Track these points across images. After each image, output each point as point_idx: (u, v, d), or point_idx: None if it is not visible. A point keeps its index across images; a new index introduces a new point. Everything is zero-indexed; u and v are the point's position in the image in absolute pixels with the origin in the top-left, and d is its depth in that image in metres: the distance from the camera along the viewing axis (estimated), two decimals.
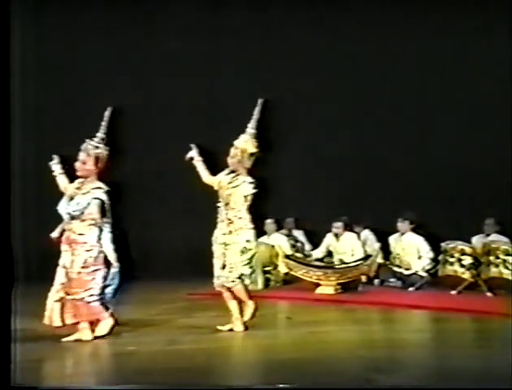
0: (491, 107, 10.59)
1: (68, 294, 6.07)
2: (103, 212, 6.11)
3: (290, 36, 11.16)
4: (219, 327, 6.52)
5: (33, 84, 10.29)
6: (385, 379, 4.79)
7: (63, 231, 6.21)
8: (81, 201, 6.09)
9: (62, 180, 6.42)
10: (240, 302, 6.56)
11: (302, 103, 11.19)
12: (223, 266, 6.46)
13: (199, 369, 5.17)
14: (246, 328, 6.50)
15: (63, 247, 6.15)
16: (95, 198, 6.09)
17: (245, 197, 6.42)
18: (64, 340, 6.04)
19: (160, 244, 10.99)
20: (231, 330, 6.49)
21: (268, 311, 7.53)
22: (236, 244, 6.40)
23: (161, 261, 10.84)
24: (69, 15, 11.00)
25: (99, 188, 6.14)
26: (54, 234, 6.24)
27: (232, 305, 6.55)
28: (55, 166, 6.47)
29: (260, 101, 6.56)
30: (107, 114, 6.31)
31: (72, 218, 6.10)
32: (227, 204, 6.46)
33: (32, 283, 8.18)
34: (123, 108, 10.40)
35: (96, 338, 6.11)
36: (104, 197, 6.12)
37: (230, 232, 6.42)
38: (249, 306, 6.57)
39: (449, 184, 10.77)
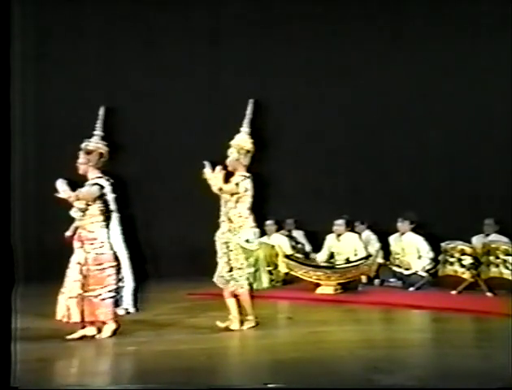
0: (491, 107, 10.59)
1: (86, 291, 6.14)
2: (103, 199, 6.19)
3: (291, 39, 11.17)
4: (218, 323, 6.55)
5: (33, 84, 10.30)
6: (385, 379, 4.80)
7: (76, 229, 6.27)
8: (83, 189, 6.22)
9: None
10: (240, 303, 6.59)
11: (302, 104, 11.19)
12: (230, 269, 6.48)
13: (200, 369, 5.17)
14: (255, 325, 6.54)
15: (76, 244, 6.26)
16: (94, 184, 6.20)
17: (236, 184, 6.44)
18: (69, 337, 6.08)
19: (160, 244, 10.98)
20: (227, 327, 6.51)
21: (268, 311, 7.53)
22: (236, 244, 6.44)
23: (160, 261, 10.84)
24: (69, 14, 11.00)
25: (100, 177, 6.27)
26: (68, 233, 6.30)
27: (231, 303, 6.57)
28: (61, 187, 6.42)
29: (251, 101, 6.64)
30: (101, 112, 6.39)
31: (82, 212, 6.15)
32: (226, 202, 6.49)
33: (32, 283, 8.19)
34: (123, 107, 10.48)
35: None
36: (104, 184, 6.22)
37: (229, 231, 6.46)
38: (250, 322, 6.59)
39: (449, 184, 10.78)
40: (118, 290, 6.24)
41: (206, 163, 6.55)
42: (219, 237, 6.55)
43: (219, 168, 6.51)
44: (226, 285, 6.57)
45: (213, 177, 6.48)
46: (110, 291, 6.18)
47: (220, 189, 6.47)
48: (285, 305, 8.84)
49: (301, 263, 9.55)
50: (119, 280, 6.26)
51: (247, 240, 6.48)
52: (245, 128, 6.65)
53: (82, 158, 6.29)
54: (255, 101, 6.66)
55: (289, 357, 5.57)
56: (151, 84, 11.10)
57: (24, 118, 9.42)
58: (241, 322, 6.58)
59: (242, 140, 6.60)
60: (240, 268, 6.48)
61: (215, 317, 6.82)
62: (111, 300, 6.20)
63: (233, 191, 6.46)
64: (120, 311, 6.31)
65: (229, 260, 6.49)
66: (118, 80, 10.99)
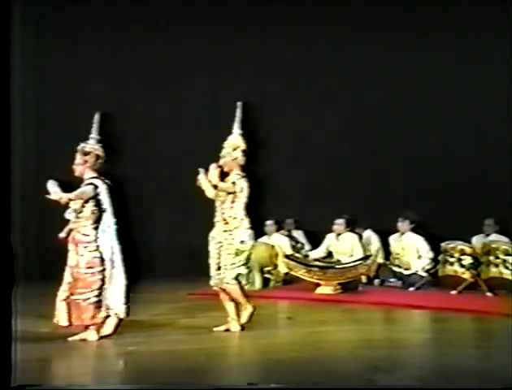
0: (491, 107, 10.59)
1: (73, 294, 6.13)
2: (97, 199, 6.16)
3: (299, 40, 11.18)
4: (215, 329, 6.54)
5: (33, 85, 10.30)
6: (385, 378, 4.80)
7: (71, 231, 6.25)
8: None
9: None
10: (238, 303, 6.59)
11: (303, 104, 11.19)
12: (218, 268, 6.48)
13: (200, 369, 5.17)
14: (243, 328, 6.52)
15: (70, 247, 6.22)
16: (88, 184, 6.18)
17: (233, 183, 6.45)
18: (70, 339, 6.07)
19: (160, 245, 10.99)
20: (227, 330, 6.50)
21: (268, 311, 7.53)
22: (230, 244, 6.43)
23: (160, 261, 10.84)
24: (70, 15, 11.00)
25: (95, 177, 6.24)
26: (62, 234, 6.26)
27: (229, 306, 6.57)
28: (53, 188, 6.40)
29: (239, 104, 6.67)
30: (96, 118, 6.40)
31: (77, 216, 6.14)
32: (222, 202, 6.49)
33: (32, 283, 8.18)
34: (124, 109, 10.50)
35: (101, 338, 6.16)
36: (98, 184, 6.19)
37: (225, 232, 6.45)
38: (247, 309, 6.59)
39: (449, 184, 10.78)
40: (102, 293, 6.19)
41: (201, 170, 6.56)
42: (213, 238, 6.54)
43: (214, 165, 6.51)
44: (216, 285, 6.55)
45: (209, 175, 6.47)
46: (97, 295, 6.14)
47: (215, 187, 6.46)
48: (285, 305, 8.85)
49: (301, 263, 9.55)
50: (104, 284, 6.21)
51: (242, 242, 6.49)
52: (236, 130, 6.66)
53: (79, 158, 6.26)
54: (245, 103, 6.69)
55: (289, 357, 5.57)
56: (150, 85, 11.10)
57: (24, 118, 9.42)
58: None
59: (237, 140, 6.62)
60: (226, 269, 6.45)
61: (215, 317, 6.82)
62: (98, 303, 6.14)
63: (229, 189, 6.45)
64: (102, 314, 6.23)
65: (219, 259, 6.49)
66: (117, 80, 10.99)
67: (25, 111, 9.57)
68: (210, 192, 6.61)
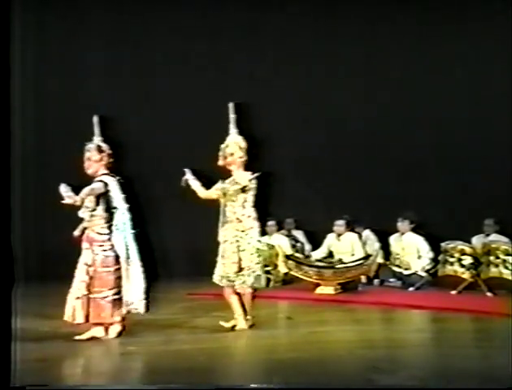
0: (491, 107, 10.58)
1: (91, 293, 6.12)
2: (108, 196, 6.17)
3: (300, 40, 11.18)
4: (222, 323, 6.54)
5: (33, 85, 10.30)
6: (385, 379, 4.80)
7: (85, 229, 6.24)
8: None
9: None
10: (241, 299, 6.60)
11: (302, 103, 11.18)
12: (240, 269, 6.47)
13: (200, 369, 5.17)
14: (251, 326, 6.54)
15: (84, 245, 6.22)
16: (98, 180, 6.18)
17: (249, 181, 6.46)
18: (77, 337, 6.07)
19: (160, 245, 10.97)
20: (233, 327, 6.50)
21: (268, 311, 7.53)
22: (249, 244, 6.45)
23: (160, 261, 10.82)
24: (70, 15, 11.00)
25: (106, 174, 6.24)
26: (76, 232, 6.26)
27: (234, 301, 6.55)
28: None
29: (231, 104, 6.70)
30: (95, 120, 6.38)
31: (91, 212, 6.13)
32: (233, 202, 6.49)
33: (32, 283, 8.18)
34: (124, 110, 10.48)
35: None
36: (108, 181, 6.18)
37: (241, 231, 6.46)
38: (248, 320, 6.57)
39: (449, 184, 10.77)
40: (121, 291, 6.21)
41: (187, 170, 6.57)
42: (228, 237, 6.51)
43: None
44: (230, 285, 6.55)
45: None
46: (116, 293, 6.16)
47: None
48: (285, 305, 8.84)
49: (301, 263, 9.55)
50: (121, 281, 6.22)
51: (258, 241, 6.53)
52: (233, 130, 6.66)
53: (95, 155, 6.23)
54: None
55: (289, 357, 5.57)
56: (151, 85, 11.10)
57: (24, 118, 9.41)
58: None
59: (238, 139, 6.61)
60: (250, 268, 6.48)
61: (216, 317, 6.83)
62: (117, 301, 6.17)
63: (251, 185, 6.47)
64: (123, 311, 6.26)
65: (240, 260, 6.47)
66: (118, 80, 10.99)
67: (25, 111, 9.56)
68: (201, 193, 6.65)
